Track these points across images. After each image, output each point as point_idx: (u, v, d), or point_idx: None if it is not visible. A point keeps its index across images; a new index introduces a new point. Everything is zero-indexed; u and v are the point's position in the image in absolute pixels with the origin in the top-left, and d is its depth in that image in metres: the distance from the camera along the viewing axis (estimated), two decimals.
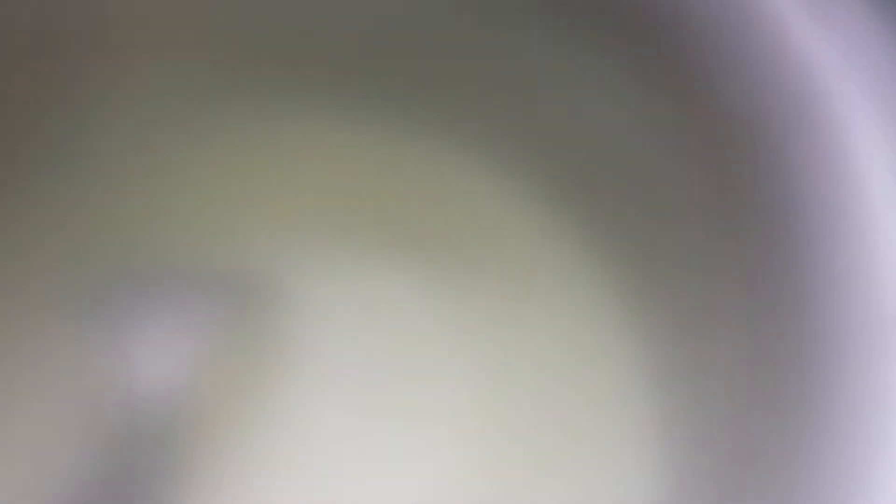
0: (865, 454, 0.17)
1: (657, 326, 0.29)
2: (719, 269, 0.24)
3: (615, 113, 0.28)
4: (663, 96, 0.25)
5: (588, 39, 0.27)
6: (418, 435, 0.30)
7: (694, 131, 0.24)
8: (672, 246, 0.27)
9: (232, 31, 0.33)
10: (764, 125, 0.20)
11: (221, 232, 0.33)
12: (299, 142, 0.36)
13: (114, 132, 0.34)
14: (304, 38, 0.34)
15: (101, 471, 0.26)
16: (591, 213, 0.32)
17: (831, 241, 0.18)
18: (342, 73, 0.34)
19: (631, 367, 0.30)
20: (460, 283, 0.33)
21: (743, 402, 0.23)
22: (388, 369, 0.31)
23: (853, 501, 0.17)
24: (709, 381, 0.25)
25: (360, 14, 0.32)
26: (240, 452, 0.29)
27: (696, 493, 0.26)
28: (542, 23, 0.28)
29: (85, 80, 0.33)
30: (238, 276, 0.32)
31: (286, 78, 0.35)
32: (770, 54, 0.19)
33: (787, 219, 0.20)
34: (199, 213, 0.34)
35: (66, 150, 0.34)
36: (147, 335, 0.29)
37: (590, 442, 0.30)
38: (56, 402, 0.29)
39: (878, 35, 0.19)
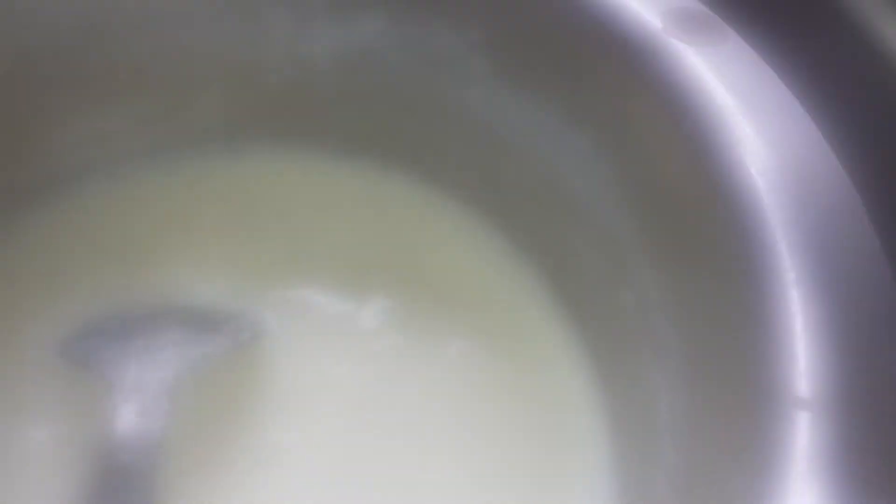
0: None
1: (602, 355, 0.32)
2: (660, 323, 0.26)
3: (574, 173, 0.30)
4: (612, 164, 0.27)
5: (544, 102, 0.29)
6: (392, 458, 0.31)
7: (640, 201, 0.26)
8: (609, 277, 0.29)
9: (212, 81, 0.35)
10: (698, 204, 0.22)
11: (204, 273, 0.34)
12: (276, 184, 0.37)
13: (97, 174, 0.35)
14: (281, 86, 0.36)
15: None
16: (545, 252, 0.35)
17: (751, 318, 0.20)
18: (319, 122, 0.36)
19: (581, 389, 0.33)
20: (431, 320, 0.34)
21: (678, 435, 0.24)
22: (363, 402, 0.32)
23: None
24: (649, 424, 0.27)
25: (336, 67, 0.34)
26: (219, 483, 0.29)
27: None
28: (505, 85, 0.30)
29: (71, 125, 0.34)
30: (221, 315, 0.33)
31: (264, 124, 0.37)
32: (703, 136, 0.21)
33: (717, 296, 0.22)
34: (181, 255, 0.35)
35: (48, 190, 0.35)
36: (127, 371, 0.30)
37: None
38: (39, 435, 0.29)
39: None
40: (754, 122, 0.20)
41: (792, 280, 0.18)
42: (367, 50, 0.33)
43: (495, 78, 0.30)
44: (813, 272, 0.18)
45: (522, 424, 0.32)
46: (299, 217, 0.37)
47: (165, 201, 0.36)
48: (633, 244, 0.27)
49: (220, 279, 0.34)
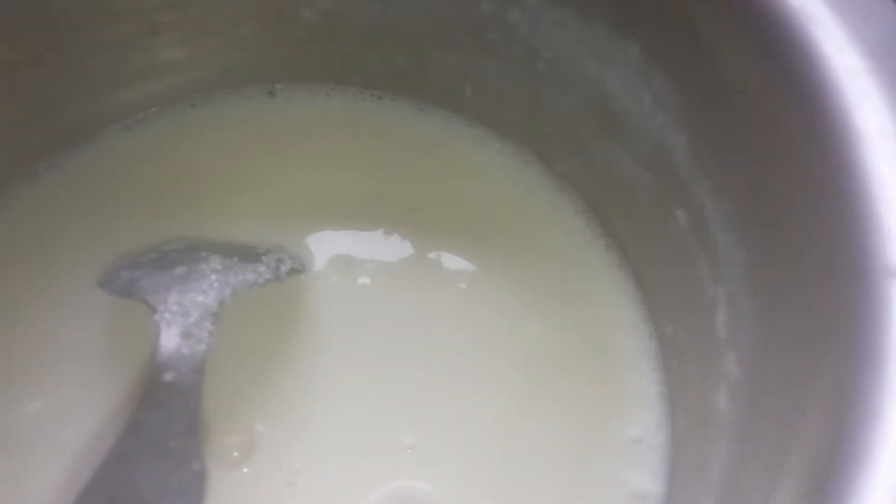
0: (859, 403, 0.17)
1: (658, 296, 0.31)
2: (718, 233, 0.25)
3: (621, 89, 0.29)
4: (665, 73, 0.26)
5: (592, 20, 0.28)
6: (437, 385, 0.31)
7: (693, 109, 0.25)
8: (671, 214, 0.28)
9: (247, 18, 0.34)
10: (763, 94, 0.21)
11: (244, 211, 0.34)
12: (315, 124, 0.36)
13: (139, 115, 0.35)
14: (315, 20, 0.35)
15: (136, 420, 0.27)
16: (593, 190, 0.34)
17: (831, 197, 0.19)
18: (355, 60, 0.35)
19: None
20: (472, 254, 0.34)
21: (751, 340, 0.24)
22: (405, 331, 0.32)
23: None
24: (706, 341, 0.27)
25: None
26: (261, 400, 0.30)
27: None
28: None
29: (107, 65, 0.34)
30: (261, 249, 0.32)
31: (301, 65, 0.36)
32: (770, 22, 0.20)
33: (786, 182, 0.21)
34: (221, 195, 0.34)
35: (89, 132, 0.34)
36: (169, 296, 0.30)
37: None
38: (85, 357, 0.30)
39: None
40: (833, 4, 0.19)
41: (886, 151, 0.17)
42: None
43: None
44: None
45: (569, 352, 0.32)
46: (339, 157, 0.36)
47: (205, 142, 0.36)
48: (685, 157, 0.26)
49: (261, 218, 0.34)
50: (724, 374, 0.24)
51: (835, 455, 0.16)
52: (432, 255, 0.34)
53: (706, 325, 0.26)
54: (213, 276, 0.30)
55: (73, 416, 0.29)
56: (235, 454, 0.29)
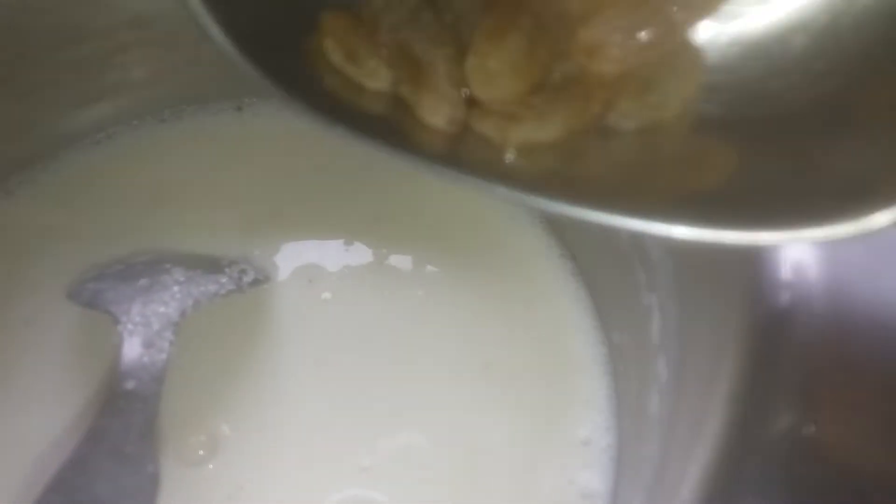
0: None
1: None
2: (651, 244, 0.26)
3: None
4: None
5: None
6: (397, 386, 0.32)
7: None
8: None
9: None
10: None
11: (208, 223, 0.35)
12: (280, 139, 0.37)
13: (105, 130, 0.36)
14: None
15: (96, 426, 0.28)
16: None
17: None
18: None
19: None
20: (430, 261, 0.35)
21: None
22: (360, 344, 0.33)
23: None
24: (643, 346, 0.28)
25: None
26: (218, 407, 0.31)
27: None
28: None
29: (77, 82, 0.35)
30: (224, 260, 0.33)
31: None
32: None
33: None
34: (186, 207, 0.35)
35: (58, 147, 0.35)
36: (133, 307, 0.31)
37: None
38: (51, 364, 0.31)
39: None
40: None
41: None
42: None
43: None
44: None
45: (525, 357, 0.33)
46: (304, 169, 0.37)
47: (174, 156, 0.37)
48: None
49: (228, 229, 0.35)
50: (656, 377, 0.25)
51: (727, 449, 0.17)
52: (393, 263, 0.36)
53: (644, 330, 0.27)
54: (176, 288, 0.31)
55: (37, 422, 0.30)
56: (201, 452, 0.30)
